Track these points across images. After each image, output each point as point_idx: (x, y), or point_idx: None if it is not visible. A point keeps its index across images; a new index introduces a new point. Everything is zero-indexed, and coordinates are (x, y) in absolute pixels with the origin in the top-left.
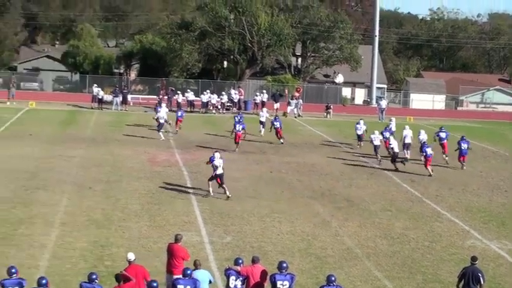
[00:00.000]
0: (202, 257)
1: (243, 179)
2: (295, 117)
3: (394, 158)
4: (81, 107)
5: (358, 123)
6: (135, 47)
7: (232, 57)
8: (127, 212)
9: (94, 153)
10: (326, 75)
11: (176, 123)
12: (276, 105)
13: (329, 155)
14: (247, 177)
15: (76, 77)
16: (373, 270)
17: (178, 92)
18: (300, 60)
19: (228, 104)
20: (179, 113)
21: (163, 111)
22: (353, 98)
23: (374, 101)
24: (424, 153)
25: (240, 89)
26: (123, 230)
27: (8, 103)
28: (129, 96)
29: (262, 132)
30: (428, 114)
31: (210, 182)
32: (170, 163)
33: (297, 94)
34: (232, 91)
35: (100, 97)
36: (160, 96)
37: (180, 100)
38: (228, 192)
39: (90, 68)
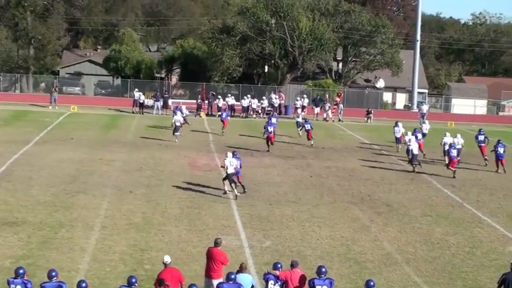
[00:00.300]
0: (242, 262)
1: (283, 184)
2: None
3: (411, 160)
4: (122, 111)
5: (396, 125)
6: (176, 51)
7: (273, 61)
8: (167, 216)
9: (135, 157)
10: (367, 80)
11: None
12: (317, 110)
13: (369, 160)
14: (288, 182)
15: (117, 81)
16: (412, 276)
17: (219, 96)
18: (340, 64)
19: (269, 109)
20: (224, 115)
21: (179, 115)
22: (394, 103)
23: (415, 106)
24: (449, 154)
25: (281, 94)
26: (163, 233)
27: (50, 107)
28: (170, 101)
29: (300, 133)
30: (470, 119)
31: (224, 182)
32: (210, 167)
33: (337, 99)
34: (273, 96)
35: (141, 101)
36: (199, 101)
37: (220, 104)
38: (236, 191)
39: (131, 73)
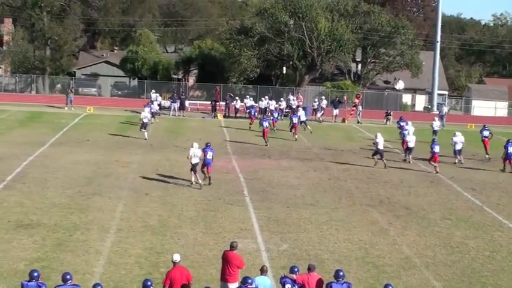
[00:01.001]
0: (258, 265)
1: (301, 186)
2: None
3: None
4: (139, 112)
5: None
6: (193, 52)
7: (291, 62)
8: (183, 218)
9: (151, 159)
10: (386, 82)
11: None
12: (335, 112)
13: (390, 163)
14: (305, 185)
15: (134, 82)
16: (431, 280)
17: (237, 98)
18: (359, 66)
19: (287, 110)
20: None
21: (146, 111)
22: (413, 105)
23: (435, 108)
24: (432, 149)
25: (299, 95)
26: (179, 236)
27: (66, 108)
28: (187, 102)
29: (310, 129)
30: (490, 121)
31: (192, 172)
32: (227, 169)
33: (356, 100)
34: (291, 97)
35: (158, 103)
36: (213, 102)
37: (238, 106)
38: (200, 180)
39: (148, 74)
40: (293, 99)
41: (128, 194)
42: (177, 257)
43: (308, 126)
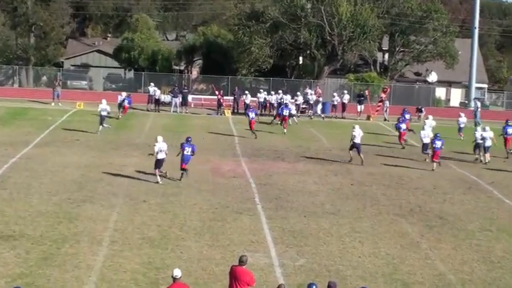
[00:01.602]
0: (272, 282)
1: (320, 193)
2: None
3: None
4: (135, 108)
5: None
6: (197, 40)
7: (308, 52)
8: (186, 229)
9: (149, 162)
10: (417, 73)
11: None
12: (360, 108)
13: (420, 166)
14: (325, 191)
15: (130, 74)
16: None
17: (246, 92)
18: (387, 55)
19: (303, 106)
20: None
21: (104, 103)
22: (448, 100)
23: (472, 103)
24: (432, 145)
25: (318, 89)
26: (181, 250)
27: (53, 104)
28: (190, 97)
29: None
30: None
31: (157, 170)
32: (236, 173)
33: (383, 95)
34: (309, 91)
35: (157, 97)
36: (219, 97)
37: (248, 101)
38: (159, 179)
39: (146, 65)
40: (311, 94)
41: (123, 202)
42: (177, 273)
43: (295, 119)
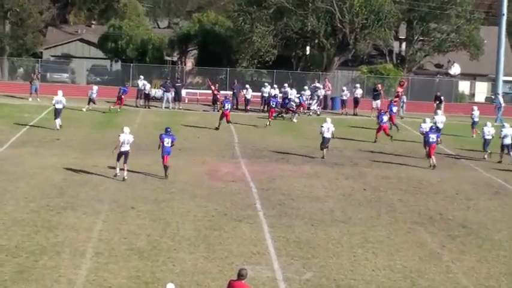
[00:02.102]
0: None
1: (329, 199)
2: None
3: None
4: (124, 104)
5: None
6: (192, 28)
7: (316, 41)
8: (179, 239)
9: (138, 164)
10: (438, 65)
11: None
12: (376, 104)
13: (441, 168)
14: (334, 196)
15: (117, 66)
16: None
17: (247, 86)
18: (404, 45)
19: (310, 102)
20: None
21: (60, 95)
22: (472, 94)
23: (501, 98)
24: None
25: (327, 82)
26: (174, 262)
27: (31, 99)
28: (184, 91)
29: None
30: None
31: (118, 162)
32: (235, 177)
33: (400, 89)
34: (317, 84)
35: (146, 92)
36: (215, 92)
37: (249, 96)
38: (125, 174)
39: (134, 55)
40: (318, 87)
41: (108, 208)
42: (171, 287)
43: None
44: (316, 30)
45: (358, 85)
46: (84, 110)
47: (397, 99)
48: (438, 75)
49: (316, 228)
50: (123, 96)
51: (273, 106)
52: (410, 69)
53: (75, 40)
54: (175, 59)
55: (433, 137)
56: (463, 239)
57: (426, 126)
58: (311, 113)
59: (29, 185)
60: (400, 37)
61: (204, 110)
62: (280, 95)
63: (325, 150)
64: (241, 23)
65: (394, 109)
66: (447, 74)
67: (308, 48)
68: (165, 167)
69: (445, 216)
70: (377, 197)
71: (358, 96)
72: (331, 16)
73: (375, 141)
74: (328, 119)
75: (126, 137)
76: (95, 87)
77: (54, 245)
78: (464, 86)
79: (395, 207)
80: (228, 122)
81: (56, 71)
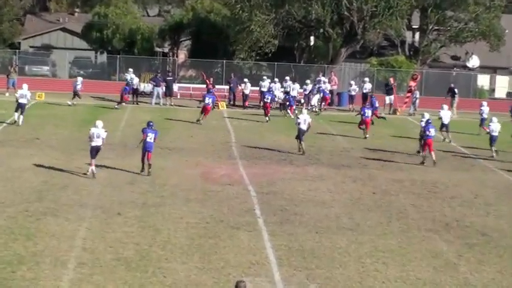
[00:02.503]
0: None
1: (335, 204)
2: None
3: None
4: (109, 100)
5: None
6: (185, 16)
7: (322, 31)
8: (170, 248)
9: (125, 165)
10: (455, 57)
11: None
12: (389, 99)
13: (458, 170)
14: (341, 201)
15: (102, 58)
16: None
17: (246, 80)
18: (417, 35)
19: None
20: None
21: (25, 88)
22: (493, 90)
23: None
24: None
25: (333, 76)
26: (164, 273)
27: (7, 94)
28: (176, 86)
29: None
30: None
31: (93, 160)
32: (232, 180)
33: (412, 83)
34: (322, 78)
35: (135, 87)
36: (209, 86)
37: (247, 91)
38: (94, 169)
39: (122, 46)
40: (324, 82)
41: (92, 214)
42: None
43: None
44: (321, 18)
45: (367, 79)
46: (68, 103)
47: (409, 94)
48: (455, 68)
49: (321, 236)
50: (126, 95)
51: (267, 101)
52: (424, 62)
53: (56, 29)
54: (166, 50)
55: (430, 131)
56: (482, 247)
57: (425, 120)
58: (313, 109)
59: (5, 188)
60: (413, 26)
61: (198, 107)
62: (282, 89)
63: (303, 143)
64: (238, 10)
65: (377, 104)
66: (465, 67)
67: (312, 38)
68: (148, 165)
69: (462, 223)
70: (388, 202)
71: (366, 91)
72: (338, 3)
73: (365, 138)
74: (305, 110)
75: (96, 131)
76: (80, 79)
77: (33, 254)
78: (483, 80)
79: (407, 213)
80: (204, 114)
81: (35, 64)
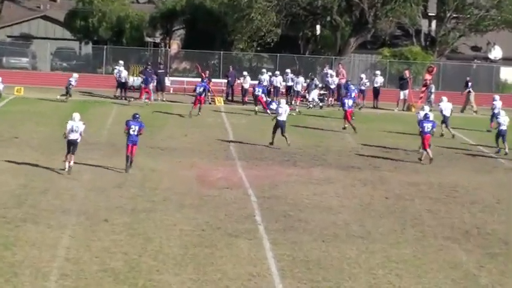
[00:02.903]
0: None
1: (344, 209)
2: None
3: None
4: (94, 95)
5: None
6: (178, 3)
7: (329, 19)
8: (162, 258)
9: (112, 167)
10: (475, 48)
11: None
12: (403, 94)
13: (479, 172)
14: (350, 207)
15: (87, 48)
16: None
17: (245, 73)
18: (434, 24)
19: (322, 92)
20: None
21: None
22: None
23: None
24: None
25: (341, 69)
26: (156, 286)
27: None
28: (168, 80)
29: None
30: None
31: (73, 156)
32: (230, 183)
33: (428, 77)
34: (329, 71)
35: (123, 80)
36: (206, 80)
37: (247, 86)
38: (72, 163)
39: (109, 36)
40: (331, 75)
41: (76, 221)
42: None
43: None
44: (328, 5)
45: (378, 72)
46: (58, 97)
47: (424, 88)
48: (475, 60)
49: (328, 245)
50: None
51: (258, 94)
52: (442, 53)
53: (36, 17)
54: (157, 40)
55: (428, 126)
56: (504, 257)
57: (422, 114)
58: (311, 105)
59: None
60: (429, 14)
61: (192, 102)
62: (284, 84)
63: (286, 135)
64: None
65: (353, 87)
66: (486, 59)
67: (318, 27)
68: (129, 158)
69: (484, 231)
70: (402, 207)
71: (378, 85)
72: None
73: (344, 128)
74: (283, 100)
75: (74, 124)
76: (75, 75)
77: (11, 265)
78: (507, 73)
79: (423, 219)
80: (196, 105)
81: (13, 55)
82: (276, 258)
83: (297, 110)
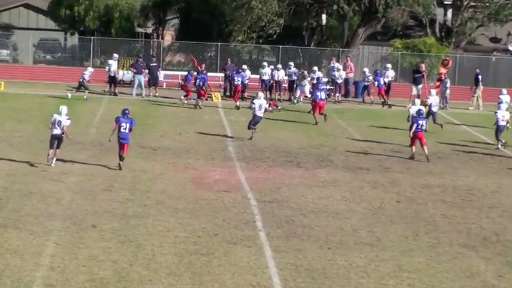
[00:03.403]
0: None
1: (351, 214)
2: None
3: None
4: (81, 90)
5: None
6: None
7: (335, 8)
8: (154, 267)
9: (101, 169)
10: (494, 39)
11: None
12: (416, 89)
13: (498, 174)
14: (358, 211)
15: (73, 40)
16: None
17: (245, 66)
18: (450, 13)
19: (329, 87)
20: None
21: None
22: None
23: None
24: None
25: (349, 62)
26: None
27: None
28: (161, 74)
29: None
30: None
31: (51, 150)
32: (228, 185)
33: (443, 70)
34: (335, 64)
35: (112, 74)
36: (204, 71)
37: (246, 80)
38: (54, 161)
39: (96, 26)
40: (338, 69)
41: (62, 227)
42: None
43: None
44: None
45: (389, 65)
46: (68, 95)
47: (439, 83)
48: (494, 53)
49: (335, 252)
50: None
51: (238, 83)
52: (458, 45)
53: (17, 6)
54: (149, 31)
55: (422, 123)
56: None
57: (414, 109)
58: (295, 101)
59: None
60: (445, 2)
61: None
62: (286, 77)
63: (257, 130)
64: None
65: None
66: (506, 51)
67: (324, 17)
68: (120, 157)
69: (503, 237)
70: (414, 212)
71: (389, 79)
72: None
73: (316, 123)
74: (261, 94)
75: (58, 118)
76: (90, 69)
77: None
78: None
79: (437, 225)
80: (184, 96)
81: None
82: (278, 267)
83: (279, 107)
